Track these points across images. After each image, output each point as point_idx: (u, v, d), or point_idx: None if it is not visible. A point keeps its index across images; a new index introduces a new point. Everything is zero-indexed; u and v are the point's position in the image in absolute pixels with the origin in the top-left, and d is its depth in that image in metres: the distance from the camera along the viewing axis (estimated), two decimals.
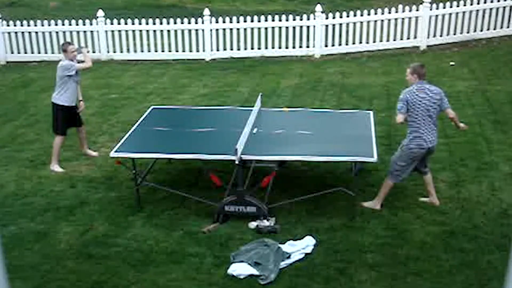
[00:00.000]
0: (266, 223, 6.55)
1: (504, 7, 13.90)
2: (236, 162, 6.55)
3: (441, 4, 13.60)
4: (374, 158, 6.71)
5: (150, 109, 8.43)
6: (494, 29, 14.01)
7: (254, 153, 6.80)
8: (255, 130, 7.43)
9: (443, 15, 13.61)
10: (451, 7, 13.62)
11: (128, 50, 13.57)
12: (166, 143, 7.27)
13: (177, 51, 13.54)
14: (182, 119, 8.20)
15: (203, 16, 13.31)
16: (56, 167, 8.12)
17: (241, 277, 5.72)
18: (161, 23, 13.43)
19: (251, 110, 7.78)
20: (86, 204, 7.19)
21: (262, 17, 13.38)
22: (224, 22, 13.39)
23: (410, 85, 6.72)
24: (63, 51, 8.08)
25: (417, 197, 7.13)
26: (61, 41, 13.39)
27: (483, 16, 13.85)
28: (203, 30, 13.38)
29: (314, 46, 13.49)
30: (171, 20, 13.44)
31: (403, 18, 13.51)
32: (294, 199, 6.96)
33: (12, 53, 13.70)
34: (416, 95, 6.57)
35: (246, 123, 7.27)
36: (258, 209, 6.66)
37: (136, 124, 7.85)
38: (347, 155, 6.80)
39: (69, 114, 8.18)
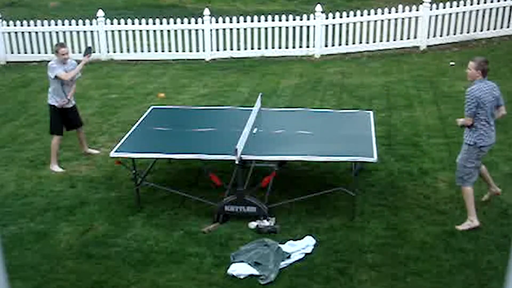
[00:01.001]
0: (266, 223, 6.55)
1: (504, 7, 13.90)
2: (236, 162, 6.55)
3: (441, 4, 13.60)
4: (374, 158, 6.71)
5: (150, 109, 8.43)
6: (494, 29, 14.01)
7: (254, 153, 6.80)
8: (255, 130, 7.43)
9: (443, 15, 13.61)
10: (451, 7, 13.62)
11: (128, 50, 13.57)
12: (166, 143, 7.26)
13: (177, 51, 13.54)
14: (182, 119, 8.20)
15: (203, 16, 13.31)
16: (55, 167, 8.13)
17: (241, 277, 5.72)
18: (161, 23, 13.42)
19: (251, 110, 7.78)
20: (86, 204, 7.19)
21: (262, 17, 13.37)
22: (224, 22, 13.39)
23: (472, 80, 6.34)
24: (55, 52, 8.06)
25: (418, 197, 7.12)
26: (61, 41, 13.41)
27: (483, 16, 13.85)
28: (203, 30, 13.38)
29: (314, 46, 13.48)
30: (171, 20, 13.43)
31: (403, 18, 13.51)
32: (294, 199, 6.96)
33: (12, 53, 13.70)
34: (486, 93, 6.28)
35: (246, 123, 7.27)
36: (258, 209, 6.66)
37: (136, 124, 7.85)
38: (347, 155, 6.80)
39: (62, 114, 8.18)
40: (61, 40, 13.39)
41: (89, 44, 8.43)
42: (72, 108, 8.28)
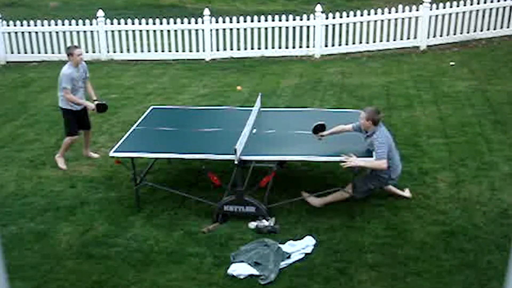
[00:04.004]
0: (265, 223, 6.55)
1: (504, 7, 13.91)
2: (235, 162, 6.55)
3: (441, 4, 13.60)
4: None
5: (149, 109, 8.42)
6: (494, 29, 14.02)
7: (254, 153, 6.80)
8: (254, 130, 7.43)
9: (443, 15, 13.61)
10: (451, 7, 13.63)
11: (128, 50, 13.57)
12: (166, 143, 7.26)
13: (177, 51, 13.55)
14: (182, 119, 8.19)
15: (203, 16, 13.31)
16: (60, 161, 8.10)
17: (241, 277, 5.72)
18: (161, 23, 13.43)
19: (251, 110, 7.79)
20: (86, 204, 7.19)
21: (262, 17, 13.38)
22: (224, 22, 13.40)
23: (365, 129, 6.76)
24: (69, 54, 7.85)
25: (417, 197, 7.11)
26: (61, 41, 13.44)
27: (483, 16, 13.86)
28: (203, 30, 13.39)
29: (314, 46, 13.49)
30: (171, 20, 13.44)
31: (403, 18, 13.51)
32: (294, 199, 6.96)
33: (12, 53, 13.70)
34: (389, 138, 6.79)
35: (245, 123, 7.27)
36: (257, 209, 6.66)
37: (136, 124, 7.85)
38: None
39: (77, 116, 8.11)
40: (61, 40, 13.41)
41: (105, 102, 8.26)
42: (84, 109, 8.17)
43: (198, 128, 7.59)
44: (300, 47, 13.52)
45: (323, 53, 13.51)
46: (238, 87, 9.53)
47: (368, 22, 13.44)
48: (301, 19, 13.35)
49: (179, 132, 7.56)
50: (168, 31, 13.48)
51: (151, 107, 8.57)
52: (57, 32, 13.49)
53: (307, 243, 6.18)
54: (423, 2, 13.43)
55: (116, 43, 13.54)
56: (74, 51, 7.86)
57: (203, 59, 13.50)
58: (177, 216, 6.86)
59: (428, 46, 13.67)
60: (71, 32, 13.45)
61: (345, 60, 13.20)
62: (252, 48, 13.52)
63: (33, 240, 6.46)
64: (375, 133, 6.64)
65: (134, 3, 18.63)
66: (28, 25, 13.52)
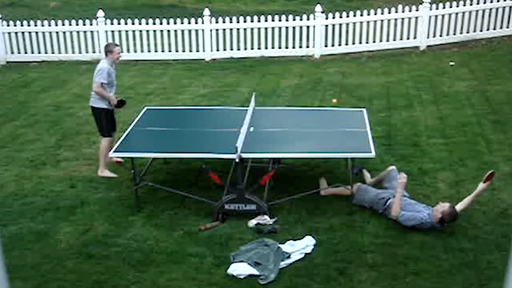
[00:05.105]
0: (267, 218, 6.56)
1: (504, 7, 13.90)
2: (236, 160, 6.56)
3: (441, 4, 13.60)
4: (372, 154, 6.73)
5: (144, 110, 8.39)
6: (494, 29, 14.01)
7: (252, 151, 6.82)
8: (251, 129, 7.44)
9: (443, 15, 13.61)
10: (451, 7, 13.63)
11: (128, 50, 13.56)
12: (165, 143, 7.25)
13: (177, 51, 13.55)
14: (177, 119, 8.16)
15: (203, 16, 13.31)
16: (105, 172, 7.79)
17: (241, 277, 5.72)
18: (161, 23, 13.43)
19: (246, 110, 7.81)
20: (86, 204, 7.19)
21: (262, 17, 13.38)
22: (224, 22, 13.40)
23: (434, 219, 6.41)
24: (109, 52, 7.71)
25: (417, 197, 7.10)
26: (61, 41, 13.44)
27: (483, 16, 13.85)
28: (203, 30, 13.39)
29: (314, 46, 13.49)
30: (171, 20, 13.44)
31: (403, 18, 13.51)
32: (293, 196, 6.97)
33: (12, 53, 13.70)
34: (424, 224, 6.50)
35: (242, 122, 7.29)
36: (258, 206, 6.67)
37: (132, 124, 7.82)
38: (345, 151, 6.91)
39: (111, 116, 7.94)
40: (61, 40, 13.41)
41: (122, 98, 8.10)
42: (113, 110, 8.03)
43: (195, 128, 7.59)
44: (300, 47, 13.52)
45: (323, 53, 13.51)
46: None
47: (368, 22, 13.44)
48: (301, 19, 13.34)
49: (177, 132, 7.54)
50: (168, 31, 13.47)
51: (145, 108, 8.56)
52: (57, 32, 13.48)
53: (307, 243, 6.18)
54: (423, 2, 13.43)
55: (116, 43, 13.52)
56: (114, 48, 7.74)
57: (203, 59, 13.50)
58: (177, 216, 6.86)
59: (428, 46, 13.66)
60: (71, 32, 13.45)
61: (345, 60, 13.20)
62: (252, 48, 13.52)
63: (33, 240, 6.46)
64: (428, 220, 6.34)
65: (134, 3, 18.62)
66: (28, 25, 13.52)
